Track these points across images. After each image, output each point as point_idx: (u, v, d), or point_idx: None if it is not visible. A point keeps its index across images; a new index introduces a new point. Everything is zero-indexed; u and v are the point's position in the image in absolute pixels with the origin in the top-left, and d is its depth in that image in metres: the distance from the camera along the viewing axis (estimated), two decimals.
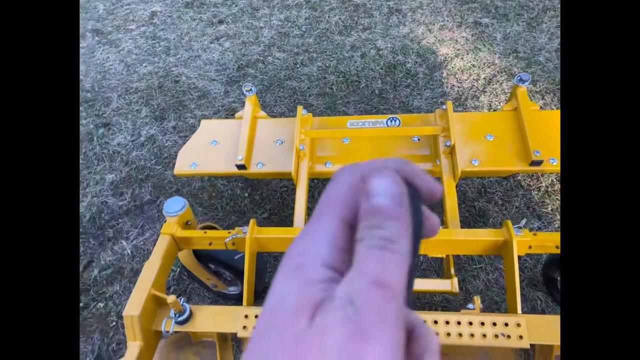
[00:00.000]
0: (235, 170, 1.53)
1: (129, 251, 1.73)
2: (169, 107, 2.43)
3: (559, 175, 1.75)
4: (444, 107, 1.51)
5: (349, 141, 1.60)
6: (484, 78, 2.40)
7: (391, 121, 1.62)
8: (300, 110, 1.58)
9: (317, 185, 1.90)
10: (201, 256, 1.35)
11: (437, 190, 0.28)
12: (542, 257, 1.50)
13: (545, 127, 1.47)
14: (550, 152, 1.42)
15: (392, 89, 2.42)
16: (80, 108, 2.44)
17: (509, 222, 1.14)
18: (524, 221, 1.13)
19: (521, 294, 1.47)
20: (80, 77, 2.69)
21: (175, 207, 1.27)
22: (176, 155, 2.11)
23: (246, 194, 1.88)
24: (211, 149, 1.62)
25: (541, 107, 2.17)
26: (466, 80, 2.42)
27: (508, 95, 2.26)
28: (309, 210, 1.45)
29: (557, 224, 1.59)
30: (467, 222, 1.69)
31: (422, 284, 1.22)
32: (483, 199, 1.75)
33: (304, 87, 2.49)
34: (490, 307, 1.43)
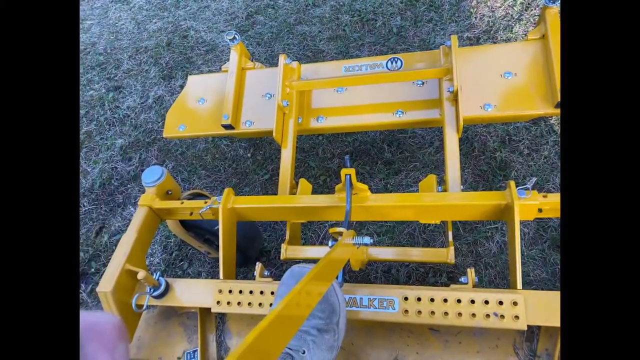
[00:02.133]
0: (223, 131, 1.43)
1: None
2: (177, 65, 2.34)
3: None
4: (448, 42, 1.26)
5: (344, 90, 1.42)
6: (521, 3, 2.05)
7: (392, 62, 1.41)
8: (282, 58, 1.38)
9: (321, 142, 1.77)
10: (187, 225, 1.31)
11: None
12: None
13: None
14: None
15: (413, 25, 2.15)
16: (93, 72, 2.43)
17: (512, 182, 0.96)
18: (533, 180, 0.95)
19: (542, 257, 1.31)
20: (94, 39, 2.66)
21: (152, 176, 1.22)
22: None
23: (249, 154, 1.80)
24: (199, 108, 1.51)
25: None
26: (499, 7, 2.08)
27: None
28: (299, 174, 1.35)
29: None
30: (485, 175, 1.50)
31: (412, 254, 1.10)
32: (506, 149, 1.54)
33: (315, 31, 2.28)
34: (504, 272, 1.28)
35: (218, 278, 1.09)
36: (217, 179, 1.77)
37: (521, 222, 1.35)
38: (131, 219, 1.74)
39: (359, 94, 1.40)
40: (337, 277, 0.89)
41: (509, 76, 1.23)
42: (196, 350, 1.11)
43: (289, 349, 0.74)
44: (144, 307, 1.05)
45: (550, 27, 1.21)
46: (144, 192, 1.84)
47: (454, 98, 1.21)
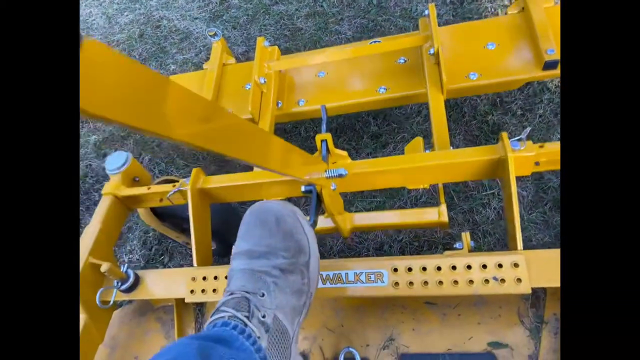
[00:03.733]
0: None
1: None
2: (150, 56, 2.24)
3: None
4: (426, 12, 1.23)
5: (325, 74, 1.36)
6: None
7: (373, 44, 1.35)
8: (260, 41, 1.37)
9: (304, 121, 1.67)
10: (162, 215, 1.21)
11: None
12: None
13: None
14: None
15: None
16: None
17: (504, 134, 0.87)
18: (527, 130, 0.85)
19: (543, 220, 1.21)
20: None
21: (116, 162, 1.13)
22: None
23: None
24: None
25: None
26: None
27: None
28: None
29: None
30: (478, 141, 1.40)
31: (399, 217, 1.00)
32: (498, 111, 1.44)
33: (292, 10, 2.18)
34: (503, 239, 1.19)
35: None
36: (196, 166, 1.68)
37: (519, 185, 1.27)
38: None
39: (341, 77, 1.35)
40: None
41: (492, 47, 1.22)
42: None
43: (245, 292, 0.63)
44: (111, 302, 0.95)
45: None
46: None
47: (436, 61, 1.18)
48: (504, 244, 1.19)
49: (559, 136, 0.88)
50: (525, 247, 0.82)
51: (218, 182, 1.05)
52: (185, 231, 1.30)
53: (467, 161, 0.90)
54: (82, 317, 0.95)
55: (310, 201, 0.85)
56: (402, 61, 1.30)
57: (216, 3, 2.42)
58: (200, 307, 1.07)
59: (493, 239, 1.20)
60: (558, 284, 0.75)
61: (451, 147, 1.03)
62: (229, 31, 2.21)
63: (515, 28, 1.22)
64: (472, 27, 1.28)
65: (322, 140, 0.91)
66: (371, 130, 1.55)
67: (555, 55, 1.10)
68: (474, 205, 1.27)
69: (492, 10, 1.79)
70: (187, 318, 1.06)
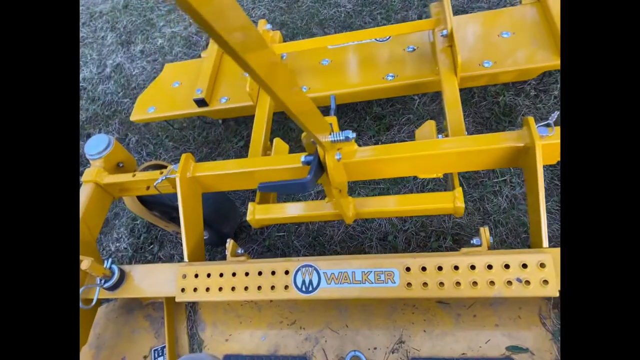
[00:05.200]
0: (197, 109, 1.28)
1: None
2: (136, 29, 2.10)
3: None
4: None
5: (329, 62, 1.29)
6: None
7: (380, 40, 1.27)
8: (262, 24, 1.32)
9: None
10: (149, 203, 1.12)
11: None
12: None
13: None
14: None
15: None
16: None
17: (531, 119, 0.78)
18: (555, 115, 0.76)
19: (559, 209, 1.14)
20: None
21: (97, 146, 1.02)
22: (144, 85, 1.84)
23: (220, 121, 1.60)
24: (173, 90, 1.41)
25: None
26: None
27: None
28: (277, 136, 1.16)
29: None
30: (488, 123, 1.31)
31: (408, 203, 0.91)
32: (510, 92, 1.35)
33: None
34: (516, 229, 1.12)
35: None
36: (187, 149, 1.58)
37: None
38: None
39: (346, 65, 1.28)
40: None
41: (507, 35, 1.18)
42: (165, 347, 0.94)
43: None
44: (94, 302, 0.87)
45: None
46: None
47: (449, 44, 1.13)
48: (517, 234, 1.12)
49: (551, 118, 0.82)
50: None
51: (210, 169, 0.95)
52: (175, 220, 1.21)
53: (488, 149, 0.81)
54: None
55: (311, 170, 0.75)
56: (411, 49, 1.23)
57: None
58: (192, 304, 0.99)
59: (505, 229, 1.12)
60: None
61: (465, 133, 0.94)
62: None
63: (532, 17, 1.19)
64: (486, 16, 1.24)
65: (329, 124, 0.82)
66: (374, 111, 1.45)
67: None
68: (485, 193, 1.19)
69: (502, 3, 1.68)
70: (179, 316, 0.98)
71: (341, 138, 0.73)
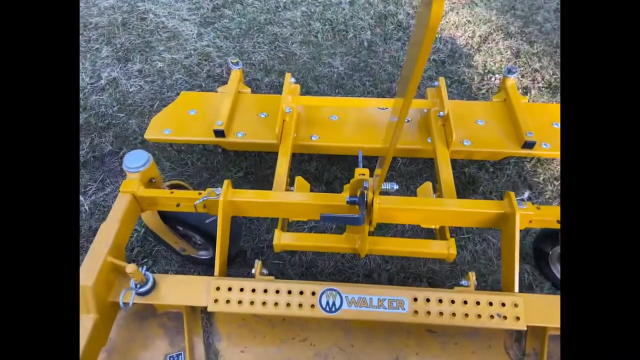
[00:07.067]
0: (213, 138, 1.41)
1: (87, 208, 1.56)
2: (134, 48, 2.16)
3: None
4: (436, 83, 1.49)
5: (337, 118, 1.53)
6: (480, 36, 2.25)
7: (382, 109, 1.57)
8: (288, 77, 1.52)
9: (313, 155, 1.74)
10: (168, 218, 1.20)
11: None
12: (532, 230, 1.44)
13: (535, 117, 1.48)
14: (543, 137, 1.41)
15: (382, 42, 2.24)
16: None
17: (512, 193, 1.04)
18: (527, 193, 1.03)
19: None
20: None
21: (137, 161, 1.10)
22: (142, 104, 1.91)
23: (219, 150, 1.71)
24: (189, 117, 1.53)
25: (537, 71, 2.06)
26: (460, 37, 2.26)
27: (504, 56, 2.14)
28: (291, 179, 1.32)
29: (549, 194, 1.52)
30: (457, 188, 1.58)
31: (412, 246, 1.12)
32: (474, 166, 1.66)
33: (286, 34, 2.27)
34: (477, 279, 1.36)
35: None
36: (184, 172, 1.66)
37: (490, 232, 1.47)
38: (80, 210, 1.55)
39: (350, 124, 1.51)
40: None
41: (482, 123, 1.51)
42: (180, 354, 1.01)
43: None
44: (130, 305, 0.93)
45: (510, 93, 1.54)
46: (95, 182, 1.66)
47: (443, 123, 1.41)
48: (479, 284, 1.36)
49: (522, 195, 1.10)
50: (496, 288, 0.99)
51: (246, 196, 1.08)
52: (185, 237, 1.29)
53: (477, 212, 1.06)
54: (93, 317, 0.91)
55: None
56: (406, 120, 1.48)
57: (207, 9, 2.42)
58: (208, 316, 1.07)
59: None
60: (547, 324, 0.92)
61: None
62: (221, 40, 2.22)
63: (500, 113, 1.53)
64: (466, 105, 1.57)
65: (360, 174, 1.01)
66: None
67: (534, 137, 1.36)
68: None
69: (469, 74, 2.05)
70: (196, 327, 1.06)
71: (389, 187, 0.93)
